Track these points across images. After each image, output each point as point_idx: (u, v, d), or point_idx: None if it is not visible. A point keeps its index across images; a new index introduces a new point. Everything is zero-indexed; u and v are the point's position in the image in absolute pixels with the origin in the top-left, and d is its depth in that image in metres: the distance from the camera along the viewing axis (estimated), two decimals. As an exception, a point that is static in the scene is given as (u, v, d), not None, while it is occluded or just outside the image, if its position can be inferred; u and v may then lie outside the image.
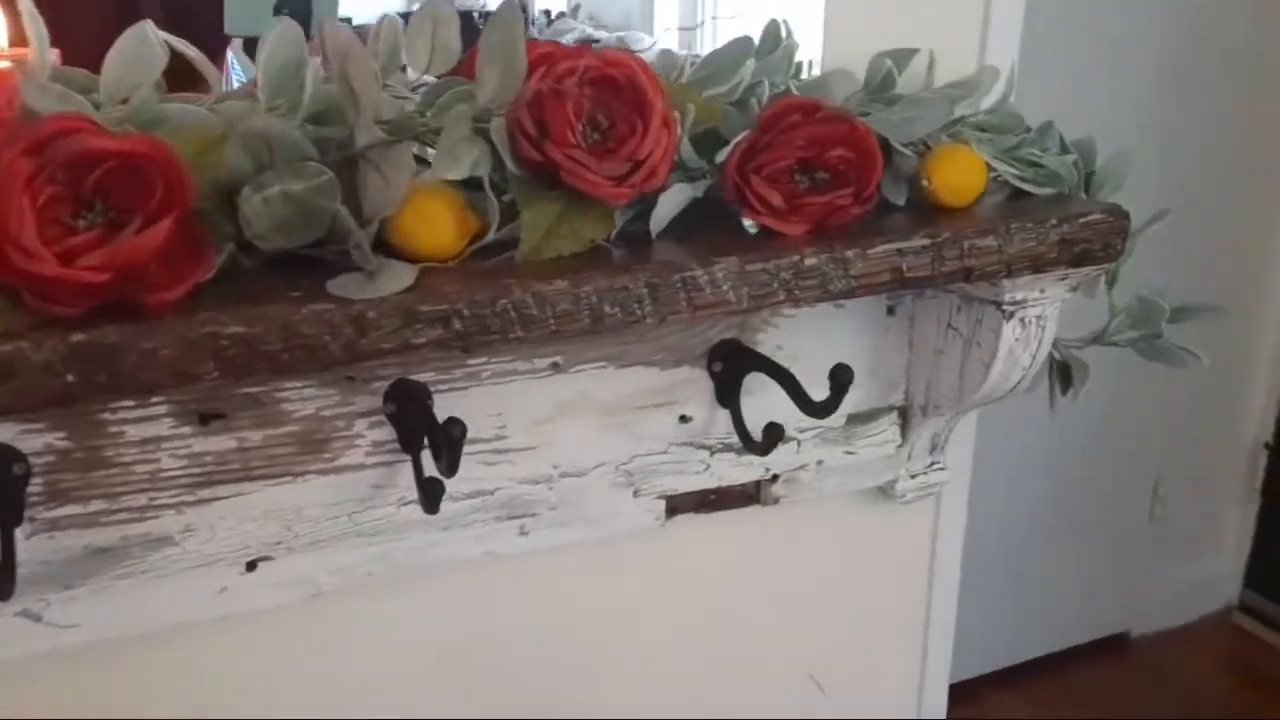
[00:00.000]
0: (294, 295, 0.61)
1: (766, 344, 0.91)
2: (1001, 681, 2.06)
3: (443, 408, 0.79)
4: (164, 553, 0.77)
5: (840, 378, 0.76)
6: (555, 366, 0.83)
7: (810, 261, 0.71)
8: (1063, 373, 0.96)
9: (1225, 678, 2.13)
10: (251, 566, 0.79)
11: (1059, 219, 0.77)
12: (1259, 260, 2.11)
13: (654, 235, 0.73)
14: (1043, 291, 0.83)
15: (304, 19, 0.77)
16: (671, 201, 0.73)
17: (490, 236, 0.68)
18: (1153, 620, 2.27)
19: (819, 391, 0.83)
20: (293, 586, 0.81)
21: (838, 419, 0.96)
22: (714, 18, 1.03)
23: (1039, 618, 2.13)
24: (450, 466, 0.70)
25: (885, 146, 0.80)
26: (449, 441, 0.68)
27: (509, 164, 0.67)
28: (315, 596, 0.82)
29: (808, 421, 0.95)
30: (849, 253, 0.72)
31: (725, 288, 0.69)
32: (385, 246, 0.66)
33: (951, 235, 0.74)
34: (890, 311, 0.94)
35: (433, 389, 0.79)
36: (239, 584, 0.79)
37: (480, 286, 0.63)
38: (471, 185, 0.68)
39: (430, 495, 0.74)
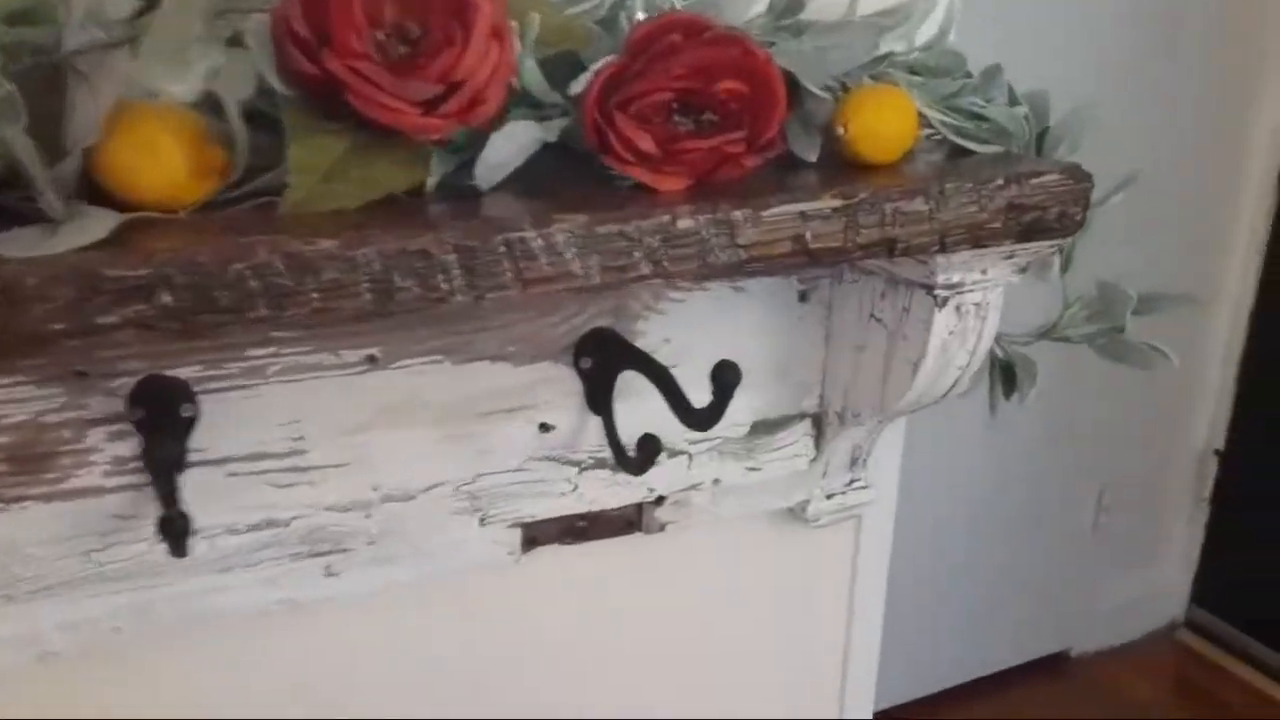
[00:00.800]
0: (-74, 252, 0.42)
1: (650, 335, 0.74)
2: (935, 707, 1.92)
3: (214, 413, 0.61)
4: None
5: (724, 378, 0.59)
6: (372, 361, 0.65)
7: (684, 224, 0.53)
8: (1006, 373, 0.80)
9: (1170, 699, 2.02)
10: (-48, 621, 0.60)
11: (1005, 179, 0.61)
12: (1214, 249, 1.97)
13: (483, 188, 0.55)
14: (984, 273, 0.67)
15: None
16: (512, 143, 0.55)
17: (249, 176, 0.49)
18: (1094, 638, 2.15)
19: (709, 395, 0.66)
20: (12, 646, 0.61)
21: (736, 428, 0.79)
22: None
23: (974, 638, 2.00)
24: (163, 498, 0.51)
25: (793, 87, 0.63)
26: (151, 464, 0.49)
27: (272, 79, 0.49)
28: (45, 657, 0.63)
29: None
30: (737, 214, 0.54)
31: (568, 256, 0.51)
32: (100, 190, 0.47)
33: (870, 196, 0.57)
34: (802, 298, 0.78)
35: (199, 389, 0.60)
36: (-63, 645, 0.60)
37: (208, 244, 0.44)
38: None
39: (171, 534, 0.55)
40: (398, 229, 0.48)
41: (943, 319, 0.68)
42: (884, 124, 0.62)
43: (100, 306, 0.43)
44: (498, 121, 0.55)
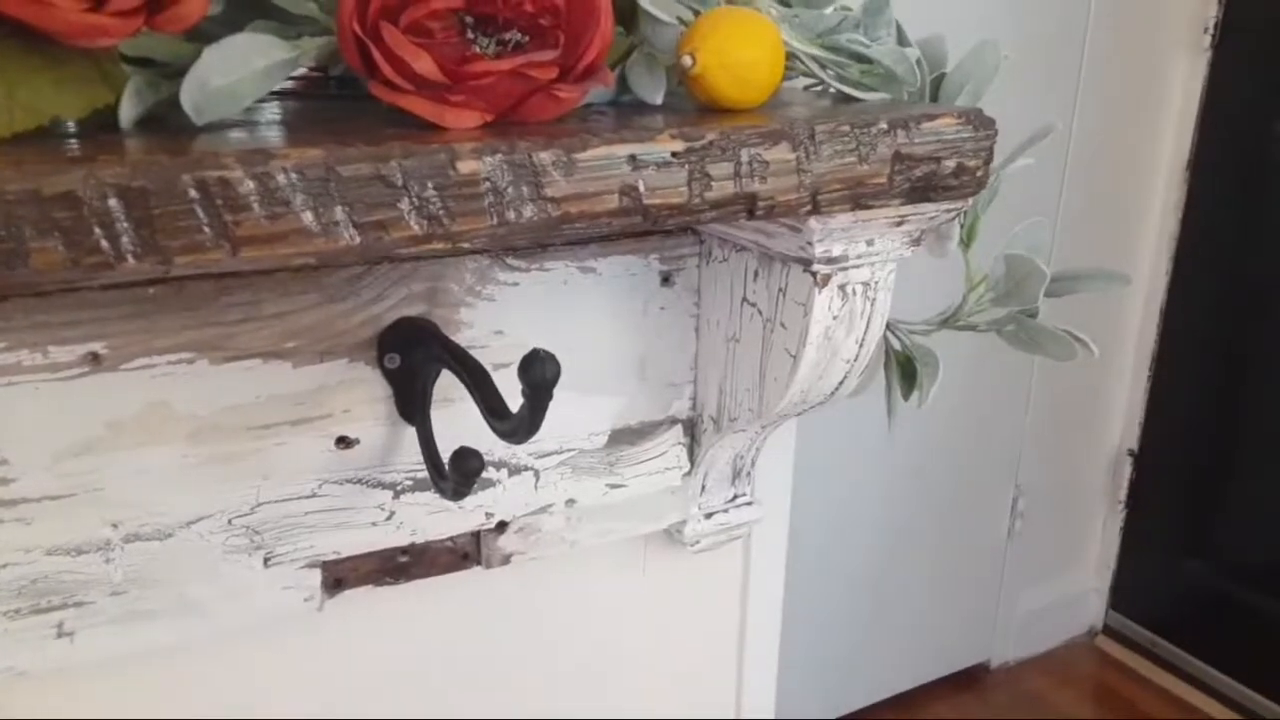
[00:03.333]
0: None
1: (477, 327, 0.60)
2: (852, 729, 1.82)
3: None
4: None
5: (534, 373, 0.45)
6: (94, 360, 0.50)
7: (468, 166, 0.40)
8: (904, 368, 0.69)
9: (1091, 708, 1.95)
10: None
11: (890, 124, 0.49)
12: (1126, 231, 1.91)
13: (198, 122, 0.41)
14: (870, 244, 0.55)
15: None
16: (240, 63, 0.42)
17: None
18: (1013, 648, 2.08)
19: (566, 399, 0.52)
20: None
21: (593, 437, 0.66)
22: None
23: (888, 653, 1.90)
24: None
25: (629, 11, 0.50)
26: None
27: None
28: None
29: (546, 442, 0.65)
30: (544, 155, 0.41)
31: (297, 204, 0.37)
32: None
33: (720, 139, 0.45)
34: (665, 281, 0.65)
35: None
36: None
37: None
38: None
39: None
40: (31, 164, 0.33)
41: (823, 301, 0.56)
42: (742, 54, 0.50)
43: None
44: (228, 35, 0.42)
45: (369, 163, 0.38)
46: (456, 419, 0.60)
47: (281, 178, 0.37)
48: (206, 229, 0.36)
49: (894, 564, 1.86)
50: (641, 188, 0.44)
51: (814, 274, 0.55)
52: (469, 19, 0.45)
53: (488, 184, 0.41)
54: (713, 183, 0.45)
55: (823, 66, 0.57)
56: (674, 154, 0.44)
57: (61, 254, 0.34)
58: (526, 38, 0.46)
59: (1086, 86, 1.70)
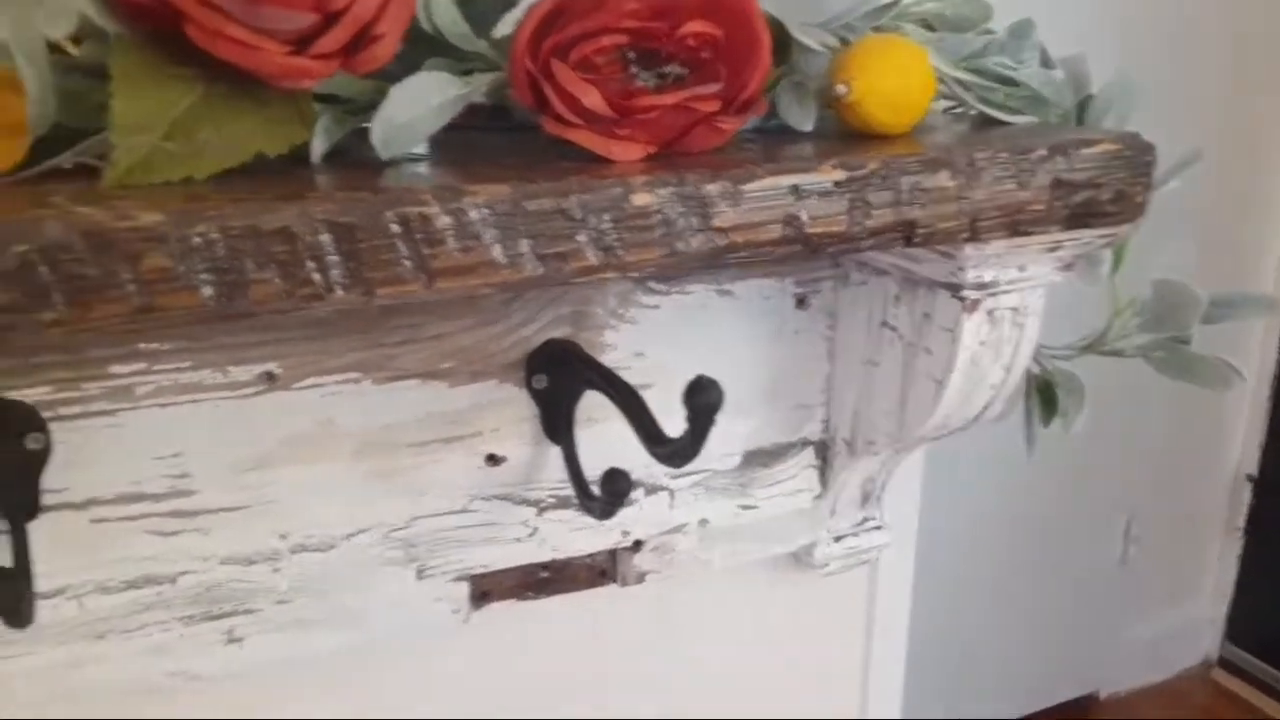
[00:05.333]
0: None
1: (619, 349, 0.61)
2: (955, 756, 1.78)
3: (71, 445, 0.49)
4: None
5: (699, 399, 0.46)
6: (270, 380, 0.53)
7: (641, 199, 0.41)
8: (1044, 394, 0.68)
9: (1207, 745, 1.87)
10: None
11: (1050, 149, 0.49)
12: (1247, 252, 1.84)
13: (384, 157, 0.43)
14: (1022, 270, 0.55)
15: None
16: (421, 101, 0.44)
17: (73, 141, 0.37)
18: (1123, 679, 2.00)
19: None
20: None
21: (726, 459, 0.67)
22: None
23: (993, 682, 1.85)
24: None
25: (780, 40, 0.51)
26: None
27: (91, 10, 0.37)
28: None
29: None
30: (711, 187, 0.42)
31: (487, 239, 0.39)
32: None
33: (881, 167, 0.45)
34: (801, 303, 0.65)
35: (50, 414, 0.48)
36: None
37: (-16, 220, 0.33)
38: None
39: (4, 599, 0.43)
40: (249, 201, 0.36)
41: (972, 326, 0.55)
42: (895, 81, 0.50)
43: None
44: (409, 73, 0.44)
45: (551, 198, 0.40)
46: (598, 439, 0.62)
47: (474, 213, 0.38)
48: (406, 261, 0.38)
49: (1001, 591, 1.81)
50: (804, 217, 0.44)
51: (963, 299, 0.55)
52: (631, 54, 0.46)
53: (659, 216, 0.42)
54: (873, 211, 0.46)
55: (966, 89, 0.57)
56: (836, 183, 0.45)
57: (278, 286, 0.36)
58: (686, 70, 0.47)
59: (1221, 109, 1.65)
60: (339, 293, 0.37)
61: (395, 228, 0.37)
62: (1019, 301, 0.56)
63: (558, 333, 0.60)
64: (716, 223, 0.43)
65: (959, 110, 0.62)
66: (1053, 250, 0.54)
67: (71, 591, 0.52)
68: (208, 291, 0.35)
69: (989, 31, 0.59)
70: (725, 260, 0.44)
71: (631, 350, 0.62)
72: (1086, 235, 0.53)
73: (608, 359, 0.61)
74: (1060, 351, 0.67)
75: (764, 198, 0.43)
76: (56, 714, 0.54)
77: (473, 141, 0.50)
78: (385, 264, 0.38)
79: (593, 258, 0.41)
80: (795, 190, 0.44)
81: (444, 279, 0.39)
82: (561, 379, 0.59)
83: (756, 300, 0.64)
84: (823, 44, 0.52)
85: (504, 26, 0.45)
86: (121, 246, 0.34)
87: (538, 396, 0.60)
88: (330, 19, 0.39)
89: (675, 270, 0.46)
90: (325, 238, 0.36)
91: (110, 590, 0.53)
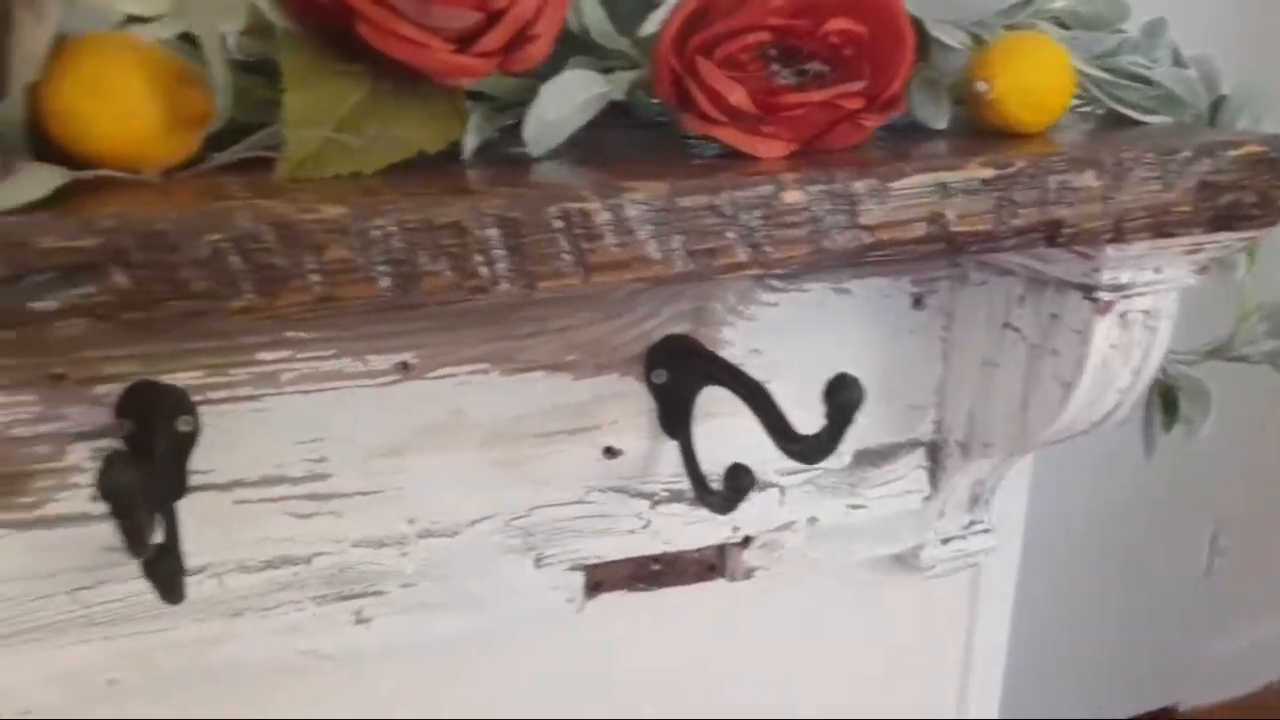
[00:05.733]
0: None
1: (736, 345, 0.62)
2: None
3: (218, 429, 0.51)
4: None
5: (841, 397, 0.46)
6: (405, 369, 0.54)
7: (792, 197, 0.42)
8: (1166, 399, 0.67)
9: (1296, 765, 1.81)
10: (-88, 671, 0.51)
11: (1195, 151, 0.48)
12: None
13: (534, 153, 0.44)
14: (1158, 272, 0.54)
15: None
16: (568, 99, 0.45)
17: (239, 133, 0.39)
18: (1205, 691, 1.95)
19: (808, 418, 0.54)
20: (-17, 702, 0.52)
21: (837, 458, 0.67)
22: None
23: (1075, 690, 1.82)
24: (128, 536, 0.41)
25: (917, 35, 0.51)
26: (111, 494, 0.39)
27: (265, 6, 0.39)
28: (29, 713, 0.53)
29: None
30: (859, 185, 0.43)
31: (642, 234, 0.40)
32: (50, 142, 0.38)
33: (1029, 165, 0.45)
34: (917, 303, 0.65)
35: (199, 398, 0.50)
36: (-107, 698, 0.51)
37: (173, 209, 0.34)
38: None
39: (160, 576, 0.45)
40: (421, 195, 0.37)
41: (1104, 329, 0.55)
42: (1037, 80, 0.49)
43: (35, 288, 0.33)
44: (550, 71, 0.45)
45: (705, 194, 0.40)
46: (712, 434, 0.62)
47: (632, 209, 0.39)
48: (566, 255, 0.39)
49: (1085, 598, 1.78)
50: (950, 215, 0.44)
51: (1095, 300, 0.54)
52: (773, 51, 0.46)
53: (807, 213, 0.42)
54: (1019, 210, 0.45)
55: (1100, 88, 0.56)
56: (983, 181, 0.44)
57: (448, 278, 0.37)
58: (826, 67, 0.47)
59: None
60: (503, 285, 0.38)
61: (558, 223, 0.38)
62: (1152, 304, 0.55)
63: (678, 328, 0.60)
64: (863, 220, 0.43)
65: (1085, 109, 0.61)
66: (1192, 253, 0.53)
67: (213, 570, 0.54)
68: (384, 283, 0.36)
69: (1121, 30, 0.58)
70: (867, 258, 0.44)
71: (748, 347, 0.62)
72: (1227, 238, 0.52)
73: (724, 355, 0.61)
74: (1184, 356, 0.66)
75: (911, 195, 0.43)
76: (193, 687, 0.57)
77: (597, 138, 0.50)
78: (547, 258, 0.39)
79: (741, 254, 0.41)
80: (943, 187, 0.44)
81: (600, 273, 0.40)
82: (681, 374, 0.60)
83: (874, 299, 0.64)
84: (960, 42, 0.51)
85: (649, 25, 0.46)
86: (307, 238, 0.35)
87: (656, 391, 0.60)
88: (492, 18, 0.40)
89: (816, 267, 0.46)
90: (493, 232, 0.37)
91: (249, 569, 0.55)
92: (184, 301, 0.34)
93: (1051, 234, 0.46)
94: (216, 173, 0.40)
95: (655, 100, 0.48)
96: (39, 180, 0.34)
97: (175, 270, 0.34)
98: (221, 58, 0.38)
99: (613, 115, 0.53)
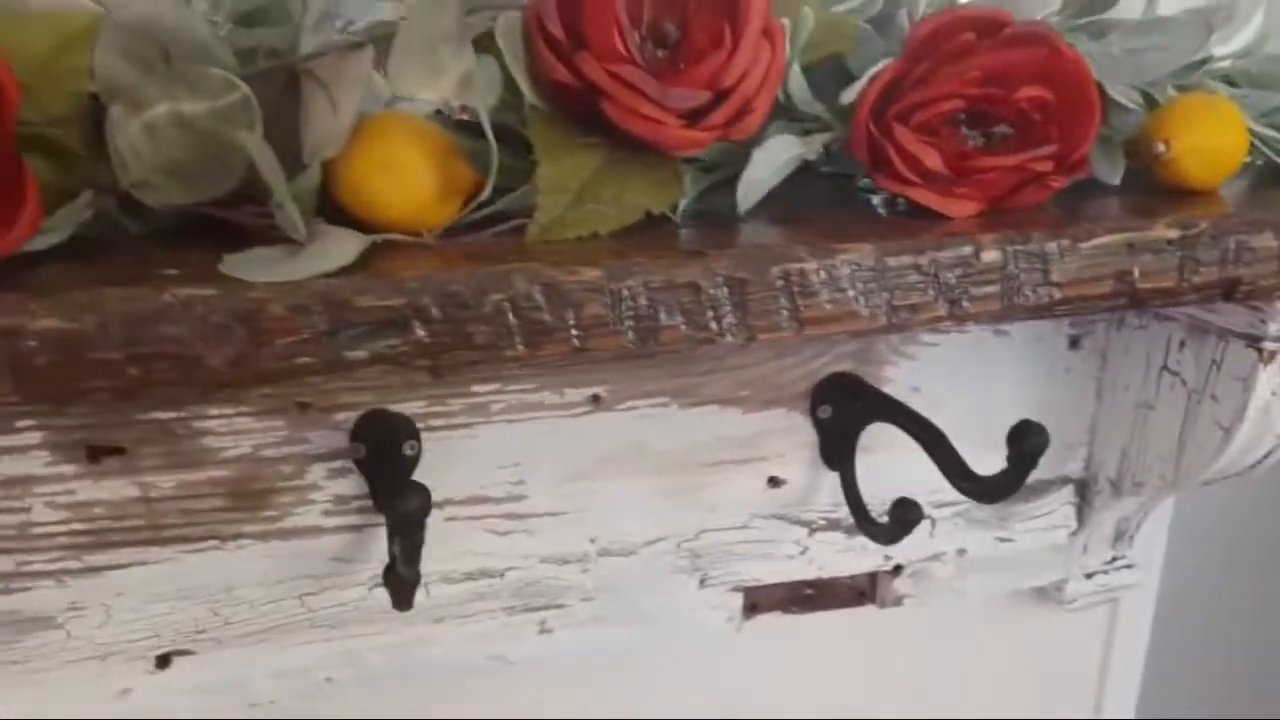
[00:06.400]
0: (169, 274, 0.39)
1: (897, 382, 0.65)
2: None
3: (435, 452, 0.56)
4: (41, 638, 0.55)
5: (1025, 443, 0.49)
6: (596, 401, 0.59)
7: (990, 256, 0.45)
8: (1322, 442, 0.67)
9: None
10: (163, 662, 0.57)
11: (1371, 211, 0.50)
12: None
13: (741, 211, 0.48)
14: (1325, 323, 0.55)
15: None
16: (773, 162, 0.49)
17: (489, 198, 0.44)
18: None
19: (973, 455, 0.57)
20: (220, 692, 0.58)
21: (992, 492, 0.69)
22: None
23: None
24: (406, 557, 0.46)
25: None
26: (403, 521, 0.44)
27: (523, 87, 0.44)
28: (254, 707, 0.59)
29: (945, 493, 0.68)
30: (1051, 245, 0.46)
31: (852, 293, 0.43)
32: (336, 209, 0.43)
33: (1211, 226, 0.47)
34: (1073, 344, 0.67)
35: (421, 425, 0.56)
36: (146, 686, 0.57)
37: (463, 272, 0.39)
38: (470, 130, 0.45)
39: (397, 587, 0.50)
40: (663, 258, 0.41)
41: (1267, 377, 0.56)
42: (1214, 140, 0.52)
43: (349, 340, 0.38)
44: (756, 136, 0.49)
45: (910, 254, 0.44)
46: (869, 467, 0.65)
47: (845, 269, 0.43)
48: (784, 311, 0.43)
49: (1214, 632, 1.74)
50: (1136, 273, 0.47)
51: (1261, 351, 0.56)
52: (963, 115, 0.50)
53: (1003, 271, 0.45)
54: (1200, 268, 0.48)
55: (1268, 145, 0.58)
56: (1169, 241, 0.47)
57: (683, 331, 0.41)
58: (1013, 130, 0.50)
59: None
60: (728, 337, 0.42)
61: (779, 282, 0.42)
62: (1318, 354, 0.56)
63: (841, 366, 0.64)
64: (1055, 278, 0.46)
65: (1246, 160, 0.62)
66: (1363, 306, 0.54)
67: (423, 580, 0.60)
68: (630, 336, 0.41)
69: (1289, 86, 0.60)
70: (1055, 312, 0.47)
71: (908, 384, 0.65)
72: (1401, 292, 0.53)
73: (887, 392, 0.64)
74: (1342, 401, 0.67)
75: (1100, 254, 0.46)
76: (396, 686, 0.62)
77: (778, 191, 0.54)
78: (767, 313, 0.43)
79: (941, 309, 0.45)
80: (1130, 247, 0.46)
81: (812, 326, 0.44)
82: (845, 410, 0.63)
83: (1031, 340, 0.66)
84: (1134, 102, 0.54)
85: (848, 94, 0.49)
86: (569, 296, 0.40)
87: (820, 425, 0.64)
88: (719, 97, 0.44)
89: (1008, 319, 0.49)
90: (723, 290, 0.42)
91: (452, 580, 0.60)
92: (468, 352, 0.39)
93: (1229, 290, 0.49)
94: (469, 231, 0.45)
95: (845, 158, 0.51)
96: (345, 246, 0.39)
97: (464, 325, 0.39)
98: (490, 133, 0.43)
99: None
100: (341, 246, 0.40)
